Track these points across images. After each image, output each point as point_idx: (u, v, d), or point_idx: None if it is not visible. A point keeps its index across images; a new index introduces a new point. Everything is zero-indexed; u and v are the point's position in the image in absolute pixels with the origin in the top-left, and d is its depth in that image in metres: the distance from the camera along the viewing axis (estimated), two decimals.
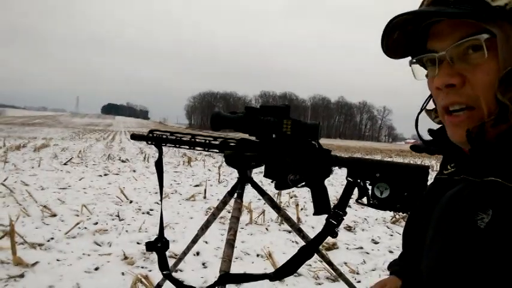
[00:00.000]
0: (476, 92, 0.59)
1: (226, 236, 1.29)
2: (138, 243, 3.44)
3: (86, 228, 3.79)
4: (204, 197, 5.67)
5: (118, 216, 4.31)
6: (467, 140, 0.60)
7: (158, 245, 1.39)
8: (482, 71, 0.58)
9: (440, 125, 0.76)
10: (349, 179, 1.22)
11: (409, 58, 0.73)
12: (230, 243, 1.26)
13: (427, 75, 0.72)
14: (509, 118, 0.57)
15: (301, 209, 4.94)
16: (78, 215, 4.24)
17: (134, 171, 8.31)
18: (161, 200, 1.41)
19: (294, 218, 4.60)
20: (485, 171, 0.58)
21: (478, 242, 0.53)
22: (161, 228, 1.41)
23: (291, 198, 5.87)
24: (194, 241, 1.49)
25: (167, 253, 3.13)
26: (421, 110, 0.78)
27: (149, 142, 1.43)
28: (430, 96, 0.75)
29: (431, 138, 0.77)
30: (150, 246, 1.36)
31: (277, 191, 5.42)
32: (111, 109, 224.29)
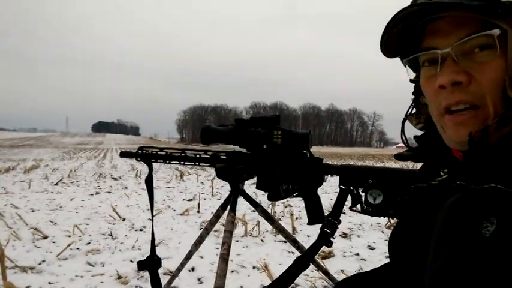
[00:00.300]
0: (483, 90, 0.57)
1: (220, 250, 1.27)
2: (131, 261, 3.38)
3: (78, 249, 3.72)
4: (198, 211, 5.62)
5: (111, 235, 4.25)
6: (468, 144, 0.58)
7: (150, 264, 1.36)
8: (490, 68, 0.57)
9: (424, 131, 0.75)
10: (342, 186, 1.21)
11: (399, 59, 0.72)
12: (224, 258, 1.24)
13: (416, 77, 0.71)
14: None
15: (296, 219, 4.91)
16: (70, 236, 4.16)
17: (126, 188, 8.22)
18: (152, 217, 1.38)
19: (289, 228, 4.58)
20: (484, 178, 0.56)
21: (484, 251, 0.51)
22: (153, 246, 1.38)
23: (286, 208, 5.84)
24: (188, 257, 1.47)
25: (161, 270, 3.10)
26: (407, 116, 0.76)
27: (139, 159, 1.41)
28: (414, 101, 0.74)
29: (418, 144, 0.76)
30: (142, 265, 1.33)
31: (271, 202, 5.40)
32: (101, 127, 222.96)
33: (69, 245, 3.66)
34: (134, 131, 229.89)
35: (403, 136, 0.77)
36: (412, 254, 0.68)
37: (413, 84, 0.76)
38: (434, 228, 0.62)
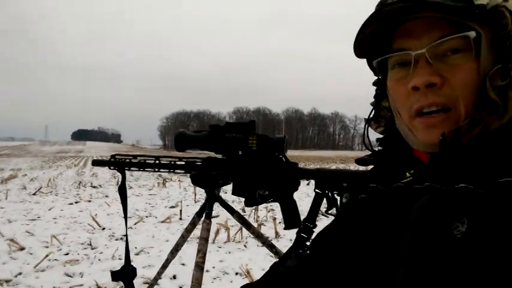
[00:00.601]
0: (456, 92, 0.57)
1: (195, 258, 1.25)
2: (111, 271, 3.32)
3: (56, 259, 3.64)
4: (180, 218, 5.57)
5: (90, 244, 4.16)
6: (440, 145, 0.58)
7: (125, 274, 1.33)
8: (463, 71, 0.57)
9: (384, 135, 0.75)
10: (317, 190, 1.21)
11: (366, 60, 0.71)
12: (199, 266, 1.22)
13: (382, 79, 0.70)
14: (489, 119, 0.57)
15: (280, 223, 4.91)
16: (47, 247, 4.07)
17: (107, 196, 8.09)
18: (126, 226, 1.35)
19: (272, 233, 4.58)
20: (453, 178, 0.56)
21: (456, 252, 0.51)
22: (127, 255, 1.35)
23: (269, 212, 5.84)
24: (165, 266, 1.44)
25: (141, 280, 3.05)
26: (370, 120, 0.75)
27: (111, 167, 1.38)
28: (375, 105, 0.74)
29: (381, 147, 0.75)
30: (116, 275, 1.30)
31: (254, 207, 5.38)
32: (81, 135, 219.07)
33: (46, 255, 3.58)
34: (116, 138, 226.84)
35: (367, 140, 0.76)
36: (371, 255, 0.65)
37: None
38: (403, 231, 0.60)
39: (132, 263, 1.46)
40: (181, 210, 5.77)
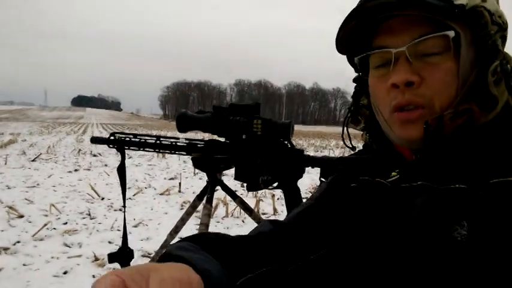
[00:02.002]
0: (432, 92, 0.58)
1: None
2: (109, 242, 3.34)
3: (54, 228, 3.65)
4: (179, 191, 5.58)
5: (89, 214, 4.18)
6: (424, 134, 0.58)
7: (122, 256, 1.31)
8: (441, 71, 0.57)
9: (363, 131, 0.75)
10: (323, 179, 1.17)
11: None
12: None
13: (363, 75, 0.70)
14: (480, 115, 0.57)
15: (278, 199, 4.92)
16: (46, 215, 4.08)
17: (106, 165, 8.09)
18: (124, 207, 1.32)
19: (271, 209, 4.59)
20: (445, 176, 0.56)
21: (458, 256, 0.51)
22: (125, 237, 1.33)
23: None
24: (163, 246, 1.42)
25: (139, 253, 3.07)
26: (348, 118, 0.75)
27: (111, 146, 1.33)
28: (354, 103, 0.74)
29: (370, 142, 0.74)
30: (113, 257, 1.28)
31: None
32: (81, 101, 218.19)
33: (45, 224, 3.59)
34: (116, 106, 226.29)
35: (348, 137, 0.77)
36: (363, 249, 0.63)
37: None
38: (403, 232, 0.59)
39: (130, 240, 1.44)
40: (180, 183, 5.78)
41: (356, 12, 0.60)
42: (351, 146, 0.78)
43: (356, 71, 0.74)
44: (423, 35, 0.57)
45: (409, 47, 0.58)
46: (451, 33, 0.56)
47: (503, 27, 0.60)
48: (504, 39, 0.61)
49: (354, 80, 0.75)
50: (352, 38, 0.65)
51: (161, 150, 1.31)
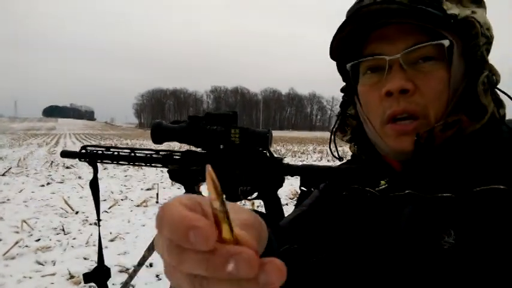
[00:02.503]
0: (426, 100, 0.58)
1: None
2: (85, 258, 3.23)
3: (26, 246, 3.51)
4: (157, 202, 5.48)
5: (63, 229, 4.04)
6: (414, 146, 0.58)
7: (98, 276, 1.25)
8: (434, 79, 0.58)
9: (351, 143, 0.75)
10: (303, 188, 1.15)
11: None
12: None
13: (352, 83, 0.68)
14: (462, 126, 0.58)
15: (258, 206, 4.89)
16: (18, 232, 3.93)
17: (80, 177, 7.88)
18: (98, 224, 1.26)
19: None
20: (432, 185, 0.56)
21: (444, 264, 0.52)
22: (100, 255, 1.26)
23: None
24: (141, 263, 1.37)
25: (117, 268, 2.97)
26: (336, 129, 0.74)
27: (82, 159, 1.27)
28: (341, 113, 0.74)
29: (359, 153, 0.74)
30: (88, 277, 1.21)
31: None
32: (53, 111, 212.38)
33: (17, 242, 3.45)
34: (89, 115, 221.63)
35: (335, 148, 0.76)
36: (353, 256, 0.63)
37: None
38: (391, 240, 0.59)
39: (106, 255, 1.37)
40: (157, 194, 5.67)
41: (355, 16, 0.59)
42: (338, 156, 0.77)
43: (344, 80, 0.73)
44: (417, 43, 0.57)
45: (404, 54, 0.58)
46: (446, 42, 0.56)
47: (489, 40, 0.60)
48: (488, 52, 0.61)
49: (342, 90, 0.75)
50: (344, 45, 0.65)
51: (136, 163, 1.26)
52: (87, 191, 6.10)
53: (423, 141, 0.58)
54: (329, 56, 0.68)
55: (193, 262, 0.25)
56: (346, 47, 0.65)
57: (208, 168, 0.26)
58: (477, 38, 0.57)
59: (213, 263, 0.24)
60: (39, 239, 3.73)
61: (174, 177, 1.29)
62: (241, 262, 0.24)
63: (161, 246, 0.27)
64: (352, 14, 0.60)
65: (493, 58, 0.62)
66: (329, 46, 0.65)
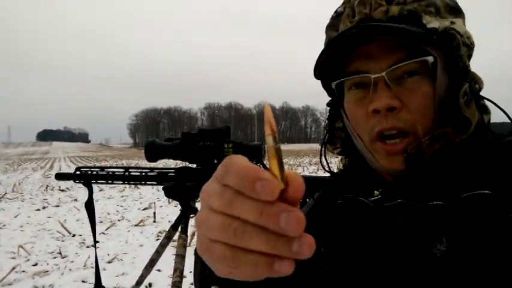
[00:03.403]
0: (413, 116, 0.58)
1: (172, 278, 1.18)
2: (83, 281, 3.18)
3: (24, 271, 3.47)
4: (154, 221, 5.43)
5: (60, 253, 3.99)
6: (404, 162, 0.58)
7: None
8: (420, 95, 0.57)
9: (341, 155, 0.75)
10: None
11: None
12: (177, 286, 1.15)
13: (338, 99, 0.68)
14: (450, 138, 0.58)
15: None
16: (14, 258, 3.87)
17: (76, 200, 7.82)
18: (95, 245, 1.26)
19: None
20: (423, 194, 0.57)
21: (437, 274, 0.51)
22: (97, 275, 1.26)
23: None
24: (139, 282, 1.36)
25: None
26: (325, 143, 0.75)
27: (77, 181, 1.28)
28: (329, 127, 0.74)
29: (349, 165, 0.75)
30: None
31: None
32: (47, 135, 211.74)
33: (13, 268, 3.40)
34: (83, 137, 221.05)
35: (325, 161, 0.76)
36: (348, 265, 0.63)
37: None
38: (383, 250, 0.59)
39: (105, 277, 1.37)
40: (154, 213, 5.64)
41: (334, 41, 0.60)
42: (329, 170, 0.77)
43: (330, 96, 0.74)
44: (401, 60, 0.57)
45: (388, 72, 0.58)
46: (430, 59, 0.56)
47: (471, 47, 0.61)
48: (470, 58, 0.62)
49: (328, 104, 0.75)
50: (327, 64, 0.65)
51: (131, 182, 1.26)
52: (84, 214, 6.07)
53: (412, 157, 0.58)
54: (313, 76, 0.68)
55: (249, 207, 0.26)
56: (330, 65, 0.65)
57: (266, 104, 0.28)
58: (458, 50, 0.58)
59: (268, 212, 0.26)
60: (36, 264, 3.68)
61: (170, 194, 1.30)
62: (292, 220, 0.25)
63: (210, 191, 0.29)
64: (335, 37, 0.60)
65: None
66: (313, 67, 0.65)
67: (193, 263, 0.75)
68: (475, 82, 0.59)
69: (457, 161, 0.58)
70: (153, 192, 8.54)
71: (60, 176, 1.34)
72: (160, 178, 1.25)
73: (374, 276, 0.59)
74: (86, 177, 1.27)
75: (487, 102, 0.61)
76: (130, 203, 7.24)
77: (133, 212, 6.26)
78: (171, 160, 1.21)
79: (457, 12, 0.62)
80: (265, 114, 0.27)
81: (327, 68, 0.66)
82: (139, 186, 9.58)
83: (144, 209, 6.54)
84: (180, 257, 1.19)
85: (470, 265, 0.49)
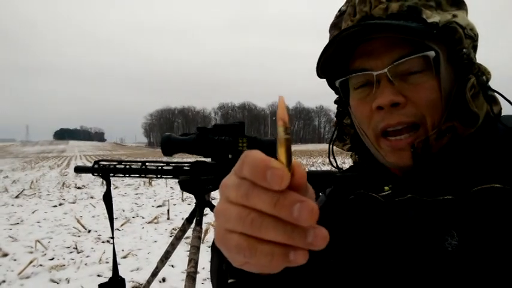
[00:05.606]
0: (421, 110, 0.58)
1: (187, 268, 1.20)
2: (98, 275, 3.24)
3: (41, 265, 3.54)
4: (168, 218, 5.49)
5: (76, 248, 4.07)
6: (413, 159, 0.59)
7: (113, 286, 1.27)
8: (425, 90, 0.57)
9: (351, 152, 0.75)
10: None
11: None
12: (191, 276, 1.17)
13: (343, 97, 0.69)
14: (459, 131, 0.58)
15: None
16: (32, 252, 3.96)
17: (92, 197, 7.94)
18: (113, 236, 1.29)
19: None
20: (433, 189, 0.57)
21: (449, 267, 0.52)
22: (115, 266, 1.30)
23: None
24: (154, 274, 1.39)
25: (130, 284, 2.98)
26: (334, 140, 0.75)
27: (95, 174, 1.31)
28: (338, 124, 0.74)
29: (360, 161, 0.75)
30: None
31: None
32: (63, 134, 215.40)
33: (31, 261, 3.48)
34: (99, 136, 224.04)
35: (334, 158, 0.77)
36: (359, 259, 0.63)
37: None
38: (395, 245, 0.59)
39: (120, 271, 1.40)
40: (168, 210, 5.70)
41: (334, 41, 0.60)
42: (336, 166, 0.78)
43: (336, 93, 0.74)
44: (403, 56, 0.57)
45: (390, 68, 0.58)
46: (432, 54, 0.56)
47: (475, 39, 0.60)
48: (475, 49, 0.61)
49: (335, 102, 0.76)
50: (330, 63, 0.65)
51: (147, 175, 1.29)
52: (99, 210, 6.19)
53: (420, 151, 0.58)
54: (317, 76, 0.69)
55: (264, 198, 0.27)
56: (333, 64, 0.66)
57: (281, 96, 0.29)
58: (461, 43, 0.57)
59: (281, 203, 0.27)
60: (53, 258, 3.76)
61: (185, 187, 1.32)
62: (305, 209, 0.26)
63: (228, 184, 0.30)
64: (334, 37, 0.61)
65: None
66: (316, 66, 0.66)
67: (205, 260, 0.76)
68: (482, 73, 0.59)
69: (466, 154, 0.58)
70: (167, 190, 8.63)
71: (79, 169, 1.38)
72: (176, 172, 1.28)
73: (386, 271, 0.59)
74: (104, 170, 1.31)
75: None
76: (144, 201, 7.33)
77: (148, 209, 6.34)
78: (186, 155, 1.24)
79: (459, 4, 0.62)
80: (279, 105, 0.28)
81: (330, 67, 0.66)
82: (153, 183, 9.69)
83: (158, 206, 6.61)
84: (195, 248, 1.22)
85: (482, 259, 0.50)
